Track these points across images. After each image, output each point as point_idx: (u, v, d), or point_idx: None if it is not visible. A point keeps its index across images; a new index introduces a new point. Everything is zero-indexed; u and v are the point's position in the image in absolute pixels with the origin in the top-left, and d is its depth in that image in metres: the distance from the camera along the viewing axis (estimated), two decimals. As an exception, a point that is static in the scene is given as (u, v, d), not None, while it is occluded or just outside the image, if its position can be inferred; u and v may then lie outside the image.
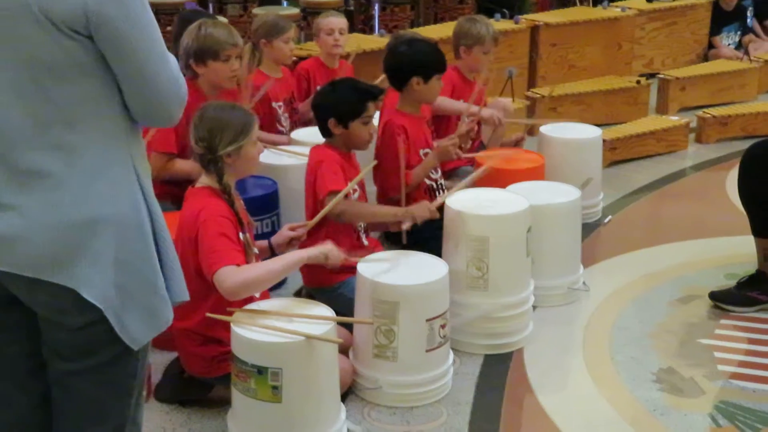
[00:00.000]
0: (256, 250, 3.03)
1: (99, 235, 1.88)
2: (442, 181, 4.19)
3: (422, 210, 3.58)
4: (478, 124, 4.64)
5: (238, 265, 2.80)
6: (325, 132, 3.57)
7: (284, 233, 3.28)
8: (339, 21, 5.07)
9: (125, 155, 1.95)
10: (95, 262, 1.88)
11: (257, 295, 3.00)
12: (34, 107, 1.85)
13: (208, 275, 2.81)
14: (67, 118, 1.87)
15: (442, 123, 4.62)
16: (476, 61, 4.70)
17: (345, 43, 5.12)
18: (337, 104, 3.51)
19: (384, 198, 4.02)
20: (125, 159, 1.95)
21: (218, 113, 2.97)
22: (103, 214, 1.89)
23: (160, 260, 1.98)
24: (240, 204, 3.06)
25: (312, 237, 3.36)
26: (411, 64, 4.05)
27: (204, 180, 3.00)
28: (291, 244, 3.29)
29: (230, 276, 2.77)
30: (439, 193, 4.07)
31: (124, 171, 1.94)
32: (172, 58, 1.96)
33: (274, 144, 4.52)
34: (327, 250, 2.98)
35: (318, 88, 4.58)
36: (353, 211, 3.51)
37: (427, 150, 4.12)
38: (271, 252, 3.23)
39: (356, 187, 3.54)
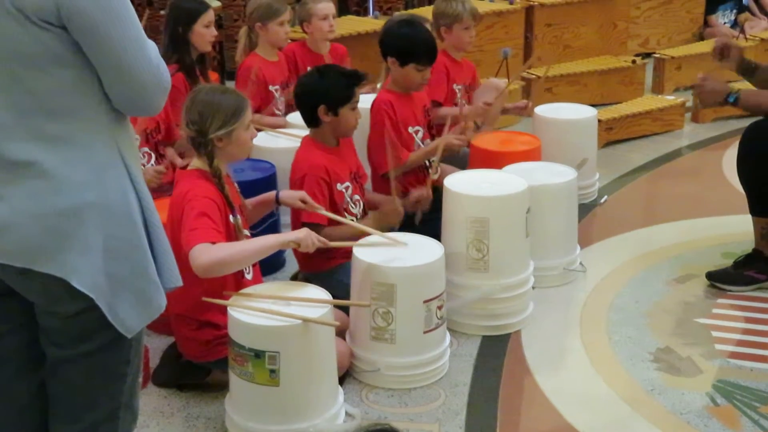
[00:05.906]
0: (246, 232, 3.01)
1: (86, 222, 1.87)
2: (433, 158, 4.14)
3: (393, 215, 3.46)
4: (469, 100, 4.61)
5: (214, 243, 2.77)
6: (313, 120, 3.49)
7: (297, 196, 3.25)
8: (331, 6, 5.03)
9: (110, 143, 1.93)
10: (84, 251, 1.87)
11: (249, 276, 2.99)
12: (13, 98, 1.84)
13: (185, 253, 2.77)
14: (47, 108, 1.86)
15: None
16: (459, 39, 4.59)
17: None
18: (328, 91, 3.44)
19: (375, 175, 3.99)
20: (110, 146, 1.93)
21: (210, 96, 2.95)
22: (88, 202, 1.88)
23: (151, 246, 1.97)
24: (232, 187, 3.04)
25: (295, 223, 3.38)
26: (389, 42, 4.06)
27: (195, 163, 2.98)
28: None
29: (203, 253, 2.74)
30: (429, 171, 4.05)
31: (109, 158, 1.92)
32: (151, 44, 1.92)
33: (272, 127, 4.50)
34: (301, 237, 2.93)
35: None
36: (335, 234, 3.29)
37: (418, 128, 4.10)
38: (277, 204, 3.28)
39: (349, 184, 3.51)
